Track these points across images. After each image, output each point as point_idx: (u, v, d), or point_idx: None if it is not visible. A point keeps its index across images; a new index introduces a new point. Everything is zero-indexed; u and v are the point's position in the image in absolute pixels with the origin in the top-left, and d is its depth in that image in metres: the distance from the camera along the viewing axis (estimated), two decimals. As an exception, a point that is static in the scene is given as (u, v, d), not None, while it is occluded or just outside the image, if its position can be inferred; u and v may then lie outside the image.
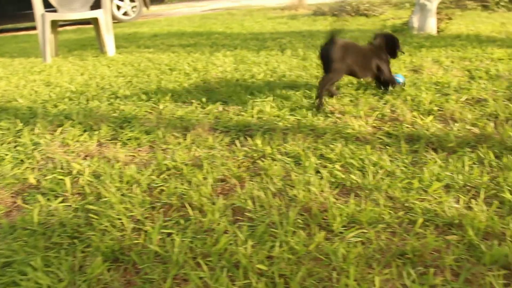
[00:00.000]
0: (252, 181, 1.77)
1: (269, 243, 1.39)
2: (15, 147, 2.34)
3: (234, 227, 1.48)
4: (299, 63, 3.89)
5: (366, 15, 7.69)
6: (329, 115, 2.49)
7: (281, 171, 1.84)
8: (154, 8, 13.69)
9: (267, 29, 6.76)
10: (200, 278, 1.26)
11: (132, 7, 10.97)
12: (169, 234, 1.47)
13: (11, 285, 1.30)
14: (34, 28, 10.86)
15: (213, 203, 1.61)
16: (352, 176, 1.78)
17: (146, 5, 11.27)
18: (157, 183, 1.80)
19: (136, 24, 9.26)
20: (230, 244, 1.39)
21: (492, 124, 2.24)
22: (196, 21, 8.72)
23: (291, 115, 2.52)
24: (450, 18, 5.62)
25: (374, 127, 2.32)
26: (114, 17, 10.02)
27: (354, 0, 8.24)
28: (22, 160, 2.17)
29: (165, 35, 6.69)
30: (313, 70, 3.55)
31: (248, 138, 2.19)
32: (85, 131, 2.46)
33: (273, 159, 1.95)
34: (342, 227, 1.47)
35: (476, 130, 2.20)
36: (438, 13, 5.52)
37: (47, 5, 5.19)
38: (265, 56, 4.35)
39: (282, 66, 3.75)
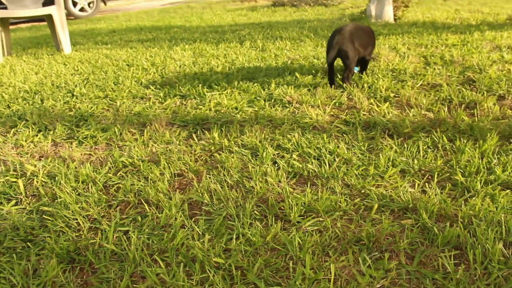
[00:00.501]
0: (209, 174, 1.76)
1: (226, 236, 1.39)
2: (-35, 150, 2.26)
3: (191, 221, 1.47)
4: (257, 54, 3.89)
5: (325, 5, 7.75)
6: (287, 105, 2.50)
7: (239, 163, 1.83)
8: (111, 4, 13.44)
9: (226, 21, 6.73)
10: (157, 274, 1.24)
11: (89, 3, 10.72)
12: (126, 232, 1.45)
13: (-40, 294, 1.26)
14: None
15: (170, 199, 1.60)
16: (309, 165, 1.79)
17: (103, 0, 11.05)
18: (113, 181, 1.77)
19: (94, 20, 9.06)
20: (187, 239, 1.39)
21: (445, 109, 2.30)
22: (155, 16, 8.60)
23: (249, 106, 2.52)
24: (406, 6, 5.73)
25: (332, 115, 2.35)
26: (70, 13, 9.79)
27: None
28: (-27, 164, 2.10)
29: (123, 30, 6.57)
30: (271, 61, 3.56)
31: (206, 132, 2.18)
32: (39, 131, 2.40)
33: (231, 152, 1.95)
34: (299, 216, 1.48)
35: (431, 115, 2.25)
36: (394, 1, 5.62)
37: (-2, 3, 5.03)
38: (224, 48, 4.33)
39: (241, 58, 3.74)
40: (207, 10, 8.71)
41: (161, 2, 13.51)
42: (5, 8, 5.09)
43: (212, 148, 1.99)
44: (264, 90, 2.78)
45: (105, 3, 11.03)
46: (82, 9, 10.44)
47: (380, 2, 5.30)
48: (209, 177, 1.73)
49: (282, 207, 1.52)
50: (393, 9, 5.43)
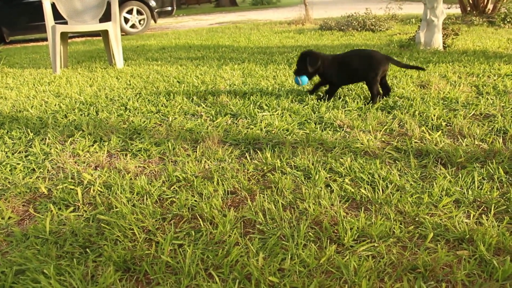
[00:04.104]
0: (262, 194, 1.78)
1: (280, 256, 1.40)
2: (26, 156, 2.36)
3: (246, 239, 1.49)
4: (306, 77, 3.92)
5: (373, 30, 7.74)
6: (338, 129, 2.51)
7: (291, 184, 1.85)
8: (161, 21, 13.81)
9: (274, 43, 6.80)
10: (212, 289, 1.26)
11: (140, 20, 11.07)
12: (180, 246, 1.48)
13: (25, 293, 1.32)
14: (43, 39, 10.99)
15: (224, 215, 1.62)
16: (362, 190, 1.78)
17: (153, 18, 11.38)
18: (167, 195, 1.81)
19: (144, 36, 9.33)
20: (241, 256, 1.40)
21: (500, 140, 2.25)
22: (203, 35, 8.79)
23: (299, 129, 2.53)
24: (456, 34, 5.66)
25: (383, 141, 2.33)
26: (122, 30, 10.12)
27: (361, 16, 8.30)
28: (33, 170, 2.19)
29: (172, 48, 6.74)
30: (321, 84, 3.58)
31: (258, 151, 2.20)
32: (95, 141, 2.48)
33: (283, 173, 1.96)
34: (353, 240, 1.47)
35: (485, 145, 2.21)
36: (444, 28, 5.55)
37: (58, 17, 5.26)
38: (273, 70, 4.38)
39: (290, 80, 3.77)
40: (255, 31, 8.83)
41: (209, 21, 13.81)
42: (66, 23, 5.33)
43: (265, 168, 2.01)
44: (314, 113, 2.79)
45: (155, 21, 11.35)
46: (133, 26, 10.80)
47: (429, 30, 5.26)
48: (262, 197, 1.75)
49: (335, 230, 1.51)
50: (442, 37, 5.37)
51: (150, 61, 5.48)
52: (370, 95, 3.04)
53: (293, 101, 3.09)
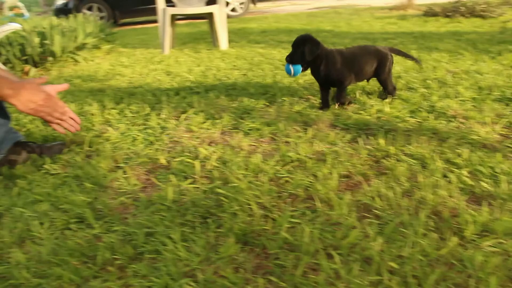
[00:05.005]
0: (377, 179, 1.76)
1: (398, 243, 1.38)
2: (144, 129, 2.51)
3: (364, 223, 1.48)
4: (413, 64, 3.78)
5: (483, 16, 7.26)
6: (452, 119, 2.40)
7: (407, 172, 1.81)
8: (260, 5, 13.93)
9: (375, 28, 6.63)
10: (332, 269, 1.27)
11: (240, 4, 11.25)
12: (295, 224, 1.51)
13: (154, 253, 1.41)
14: (149, 22, 11.55)
15: (340, 198, 1.62)
16: (483, 183, 1.70)
17: (253, 1, 11.52)
18: (282, 174, 1.85)
19: (244, 20, 9.49)
20: (359, 239, 1.40)
21: None
22: (303, 19, 8.76)
23: (411, 117, 2.46)
24: None
25: (502, 135, 2.20)
26: (223, 13, 10.36)
27: (469, 0, 7.82)
28: (151, 142, 2.33)
29: (273, 31, 6.79)
30: (430, 72, 3.44)
31: (370, 137, 2.17)
32: (207, 119, 2.58)
33: (397, 160, 1.92)
34: (475, 234, 1.41)
35: None
36: None
37: (166, 1, 5.50)
38: (377, 56, 4.27)
39: (397, 67, 3.66)
40: (355, 17, 8.65)
41: (306, 6, 13.72)
42: (174, 5, 5.56)
43: (378, 154, 1.98)
44: (425, 101, 2.70)
45: (254, 4, 11.49)
46: (233, 9, 11.01)
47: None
48: (378, 182, 1.73)
49: (456, 222, 1.46)
50: None
51: (253, 43, 5.57)
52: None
53: (402, 88, 3.00)
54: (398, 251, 1.34)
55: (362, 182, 1.75)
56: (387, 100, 2.69)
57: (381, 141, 2.07)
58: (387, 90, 2.80)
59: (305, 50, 2.52)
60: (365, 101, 2.72)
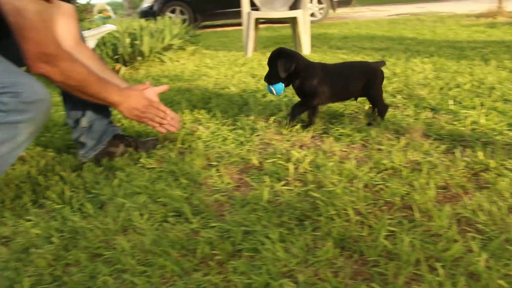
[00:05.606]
0: (478, 193, 1.70)
1: (505, 260, 1.32)
2: (234, 129, 2.57)
3: (466, 237, 1.44)
4: (508, 76, 3.61)
5: None
6: (556, 135, 2.27)
7: (510, 187, 1.73)
8: (338, 11, 13.83)
9: (462, 37, 6.38)
10: (435, 281, 1.25)
11: (319, 9, 11.23)
12: (391, 232, 1.49)
13: (252, 251, 1.44)
14: (228, 25, 11.80)
15: (439, 209, 1.58)
16: None
17: (333, 7, 11.45)
18: (376, 181, 1.83)
19: (324, 25, 9.46)
20: (462, 253, 1.36)
21: None
22: (384, 25, 8.61)
23: (509, 130, 2.35)
24: None
25: None
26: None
27: None
28: (242, 142, 2.38)
29: (355, 37, 6.72)
30: (528, 84, 3.27)
31: (466, 149, 2.10)
32: (296, 122, 2.60)
33: (498, 174, 1.84)
34: None
35: None
36: None
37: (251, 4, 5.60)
38: (466, 65, 4.11)
39: (490, 78, 3.51)
40: (439, 24, 8.38)
41: (386, 12, 13.47)
42: (258, 9, 5.64)
43: (476, 166, 1.91)
44: (525, 115, 2.57)
45: (334, 10, 11.43)
46: (312, 14, 11.00)
47: None
48: (479, 195, 1.67)
49: None
50: None
51: (334, 49, 5.54)
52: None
53: (496, 100, 2.87)
54: (506, 269, 1.29)
55: (461, 194, 1.70)
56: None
57: (480, 154, 1.99)
58: (377, 109, 2.58)
59: (278, 66, 2.32)
60: (458, 112, 2.63)
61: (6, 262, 1.54)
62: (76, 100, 2.22)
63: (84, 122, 2.26)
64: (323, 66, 2.48)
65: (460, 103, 2.82)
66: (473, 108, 2.69)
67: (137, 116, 2.14)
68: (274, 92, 2.41)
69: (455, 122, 2.47)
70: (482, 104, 2.75)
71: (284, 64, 2.32)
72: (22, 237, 1.68)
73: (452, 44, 5.63)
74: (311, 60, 2.50)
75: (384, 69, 3.93)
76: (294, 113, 2.50)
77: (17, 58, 1.79)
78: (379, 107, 2.55)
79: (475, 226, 1.51)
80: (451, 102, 2.80)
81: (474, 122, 2.45)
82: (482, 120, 2.45)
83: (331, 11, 11.71)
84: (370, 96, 2.52)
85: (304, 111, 2.51)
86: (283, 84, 2.40)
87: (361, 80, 2.46)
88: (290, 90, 2.71)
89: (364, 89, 2.47)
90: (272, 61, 2.39)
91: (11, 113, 1.65)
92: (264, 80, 2.43)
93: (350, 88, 2.48)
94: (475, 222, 1.52)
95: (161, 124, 2.22)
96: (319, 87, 2.40)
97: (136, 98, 2.12)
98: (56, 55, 1.80)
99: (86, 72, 1.93)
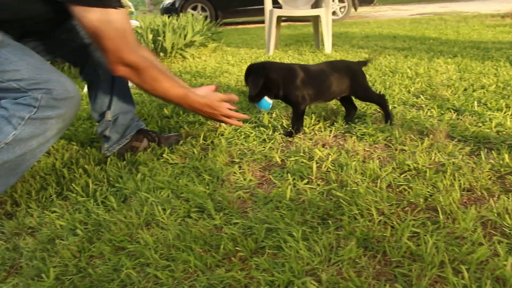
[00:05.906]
0: (504, 196, 1.68)
1: (531, 265, 1.31)
2: (256, 126, 2.58)
3: (492, 240, 1.42)
4: (531, 76, 3.55)
5: None
6: None
7: (537, 191, 1.71)
8: (360, 10, 13.73)
9: (487, 37, 6.29)
10: (460, 284, 1.24)
11: (341, 8, 11.17)
12: (415, 234, 1.48)
13: (275, 248, 1.45)
14: (249, 22, 11.81)
15: (464, 212, 1.57)
16: None
17: (354, 6, 11.38)
18: (400, 182, 1.82)
19: (345, 24, 9.41)
20: (488, 257, 1.35)
21: None
22: (406, 25, 8.52)
23: (535, 134, 2.32)
24: None
25: None
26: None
27: None
28: (264, 140, 2.39)
29: (377, 36, 6.68)
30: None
31: (492, 152, 2.07)
32: (318, 121, 2.59)
33: (525, 178, 1.82)
34: None
35: None
36: None
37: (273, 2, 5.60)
38: (491, 66, 4.06)
39: (508, 78, 3.46)
40: (463, 24, 8.27)
41: (408, 12, 13.34)
42: (280, 7, 5.63)
43: (502, 169, 1.89)
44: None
45: (355, 9, 11.35)
46: (333, 13, 10.94)
47: None
48: (505, 199, 1.65)
49: None
50: None
51: (356, 48, 5.51)
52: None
53: (523, 103, 2.83)
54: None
55: (486, 197, 1.68)
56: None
57: (506, 156, 1.97)
58: (374, 101, 2.56)
59: (248, 85, 2.27)
60: (482, 113, 2.59)
61: (33, 252, 1.57)
62: (101, 94, 2.25)
63: (109, 115, 2.29)
64: (302, 67, 2.39)
65: (485, 104, 2.78)
66: (499, 110, 2.65)
67: (207, 113, 2.17)
68: (261, 109, 2.36)
69: (480, 124, 2.44)
70: (507, 106, 2.71)
71: (252, 81, 2.24)
72: (48, 228, 1.71)
73: (476, 45, 5.55)
74: (311, 60, 2.49)
75: (406, 69, 3.92)
76: (296, 126, 2.42)
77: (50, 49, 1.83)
78: (374, 100, 2.53)
79: (501, 229, 1.49)
80: (475, 103, 2.77)
81: (499, 124, 2.41)
82: (508, 123, 2.41)
83: (352, 9, 11.63)
84: (358, 95, 2.52)
85: (301, 118, 2.43)
86: (268, 99, 2.31)
87: (344, 80, 2.41)
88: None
89: (350, 88, 2.44)
90: (246, 81, 2.33)
91: (42, 109, 1.68)
92: (249, 101, 2.35)
93: (332, 88, 2.40)
94: (501, 226, 1.51)
95: (227, 119, 2.23)
96: (302, 90, 2.32)
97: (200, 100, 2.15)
98: (137, 63, 1.85)
99: (168, 86, 1.99)
